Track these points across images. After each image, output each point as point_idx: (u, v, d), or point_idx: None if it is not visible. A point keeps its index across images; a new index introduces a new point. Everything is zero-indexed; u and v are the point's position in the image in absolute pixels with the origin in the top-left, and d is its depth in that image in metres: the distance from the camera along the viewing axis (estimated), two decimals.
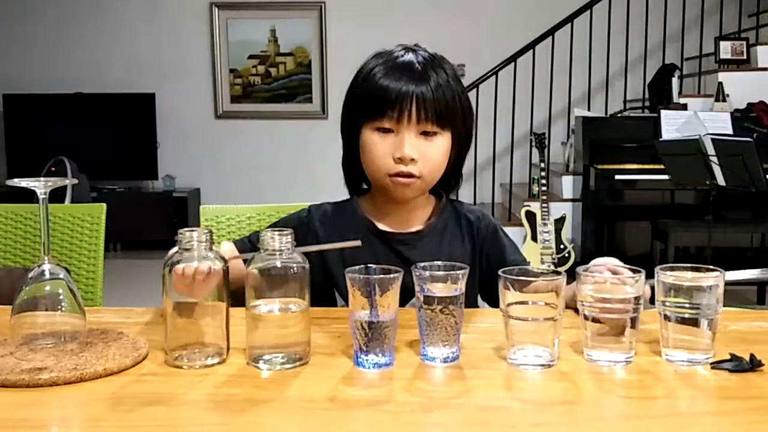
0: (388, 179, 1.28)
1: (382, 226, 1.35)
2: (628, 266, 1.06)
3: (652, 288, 1.02)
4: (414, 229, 1.36)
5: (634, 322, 0.97)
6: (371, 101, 1.26)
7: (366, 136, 1.28)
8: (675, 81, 5.11)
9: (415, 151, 1.25)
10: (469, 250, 1.37)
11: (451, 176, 1.38)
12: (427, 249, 1.31)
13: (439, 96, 1.25)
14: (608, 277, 1.01)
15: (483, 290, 1.38)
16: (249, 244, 1.33)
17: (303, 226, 1.36)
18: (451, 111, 1.27)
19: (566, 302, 1.01)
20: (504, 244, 1.40)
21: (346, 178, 1.42)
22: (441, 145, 1.28)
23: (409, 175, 1.26)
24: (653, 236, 4.40)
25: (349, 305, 0.97)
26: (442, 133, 1.28)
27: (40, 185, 0.99)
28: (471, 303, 1.30)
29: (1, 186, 5.34)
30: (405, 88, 1.24)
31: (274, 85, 6.19)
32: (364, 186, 1.41)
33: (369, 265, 0.98)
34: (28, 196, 1.07)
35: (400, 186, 1.28)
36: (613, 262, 1.10)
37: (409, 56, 1.29)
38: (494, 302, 1.11)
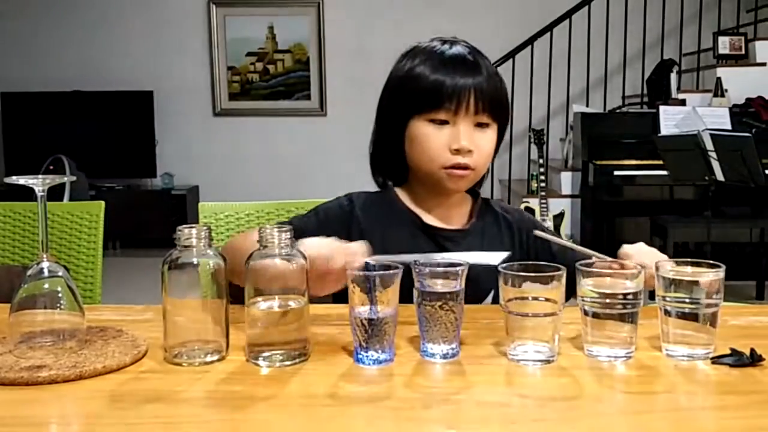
0: (443, 171, 1.27)
1: (428, 221, 1.34)
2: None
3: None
4: (457, 227, 1.35)
5: (633, 317, 0.97)
6: (426, 93, 1.25)
7: (417, 128, 1.27)
8: (673, 76, 5.11)
9: (471, 143, 1.25)
10: (510, 251, 1.36)
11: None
12: (471, 247, 1.29)
13: (492, 86, 1.26)
14: (609, 272, 1.01)
15: None
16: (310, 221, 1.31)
17: (345, 213, 1.34)
18: (500, 102, 1.29)
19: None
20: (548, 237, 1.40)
21: (378, 173, 1.40)
22: (492, 137, 1.29)
23: (465, 167, 1.26)
24: (652, 232, 4.40)
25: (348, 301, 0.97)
26: (492, 125, 1.29)
27: (38, 183, 0.99)
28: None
29: None
30: (462, 81, 1.24)
31: (272, 83, 6.19)
32: (390, 182, 1.40)
33: (368, 261, 0.98)
34: (27, 194, 1.07)
35: (455, 178, 1.27)
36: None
37: (458, 48, 1.29)
38: None
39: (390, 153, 1.35)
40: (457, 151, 1.25)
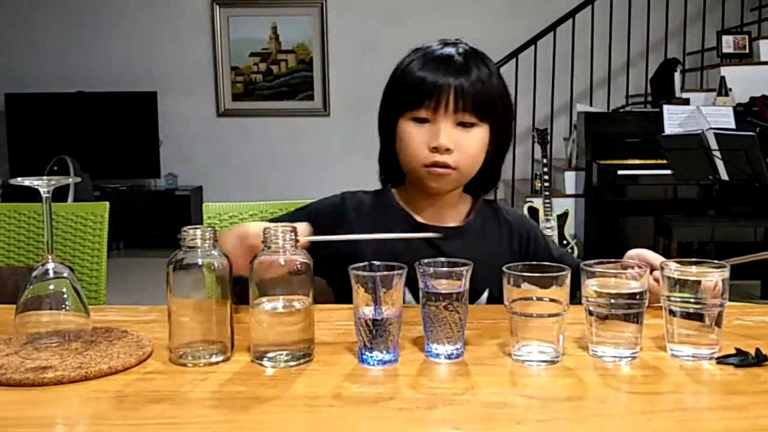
0: (424, 170, 1.27)
1: (421, 220, 1.34)
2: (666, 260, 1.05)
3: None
4: (451, 225, 1.35)
5: (638, 317, 0.97)
6: (409, 91, 1.26)
7: (402, 126, 1.28)
8: (677, 76, 5.10)
9: (451, 141, 1.24)
10: (509, 253, 1.35)
11: (488, 175, 1.36)
12: (466, 246, 1.28)
13: (477, 87, 1.25)
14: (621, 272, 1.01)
15: None
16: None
17: (336, 211, 1.35)
18: (489, 103, 1.26)
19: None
20: (547, 243, 1.42)
21: (383, 172, 1.41)
22: (478, 136, 1.27)
23: (445, 166, 1.25)
24: (656, 231, 4.39)
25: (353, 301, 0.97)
26: (479, 124, 1.27)
27: (42, 184, 0.99)
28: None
29: (4, 185, 5.37)
30: (443, 79, 1.24)
31: (276, 83, 6.19)
32: (390, 183, 1.41)
33: (374, 261, 0.98)
34: (31, 195, 1.07)
35: (435, 176, 1.27)
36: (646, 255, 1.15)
37: (449, 49, 1.29)
38: None
39: (387, 153, 1.36)
40: (435, 149, 1.25)
